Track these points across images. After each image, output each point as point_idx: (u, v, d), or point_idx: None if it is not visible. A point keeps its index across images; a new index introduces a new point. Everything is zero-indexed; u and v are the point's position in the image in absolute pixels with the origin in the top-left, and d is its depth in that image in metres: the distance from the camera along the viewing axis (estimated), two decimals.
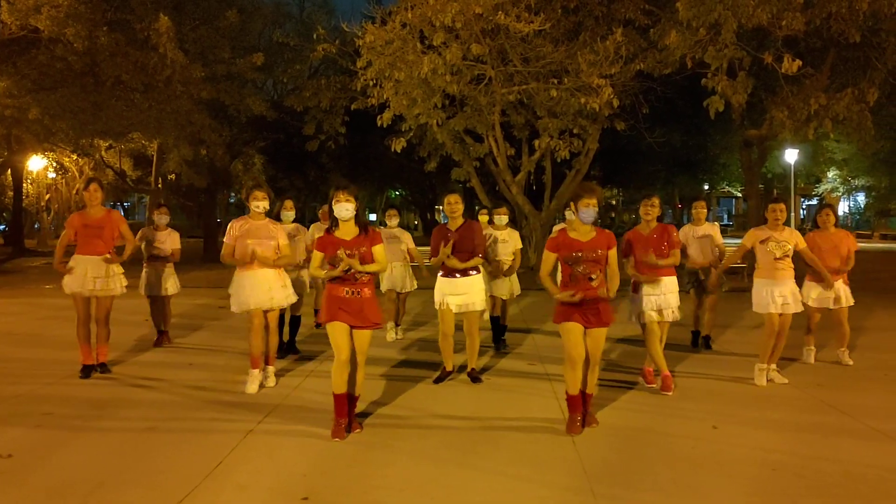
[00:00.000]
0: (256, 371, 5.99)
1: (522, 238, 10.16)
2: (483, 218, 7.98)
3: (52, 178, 36.16)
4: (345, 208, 4.77)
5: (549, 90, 13.62)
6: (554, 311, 4.97)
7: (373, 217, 45.33)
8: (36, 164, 29.81)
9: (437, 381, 6.29)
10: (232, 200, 33.47)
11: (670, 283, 5.95)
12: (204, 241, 23.64)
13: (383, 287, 8.25)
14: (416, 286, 8.57)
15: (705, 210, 7.75)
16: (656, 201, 5.96)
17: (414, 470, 4.16)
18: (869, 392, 6.02)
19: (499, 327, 7.87)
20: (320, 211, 9.27)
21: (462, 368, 6.52)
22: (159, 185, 23.57)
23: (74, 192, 34.41)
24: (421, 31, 13.06)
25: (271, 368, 6.23)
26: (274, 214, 6.95)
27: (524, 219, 17.63)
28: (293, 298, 6.35)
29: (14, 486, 3.92)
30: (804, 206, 47.60)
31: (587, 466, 4.20)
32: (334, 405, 4.79)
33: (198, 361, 7.19)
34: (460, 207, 6.18)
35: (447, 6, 12.02)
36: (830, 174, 36.92)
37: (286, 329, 7.45)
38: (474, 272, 6.21)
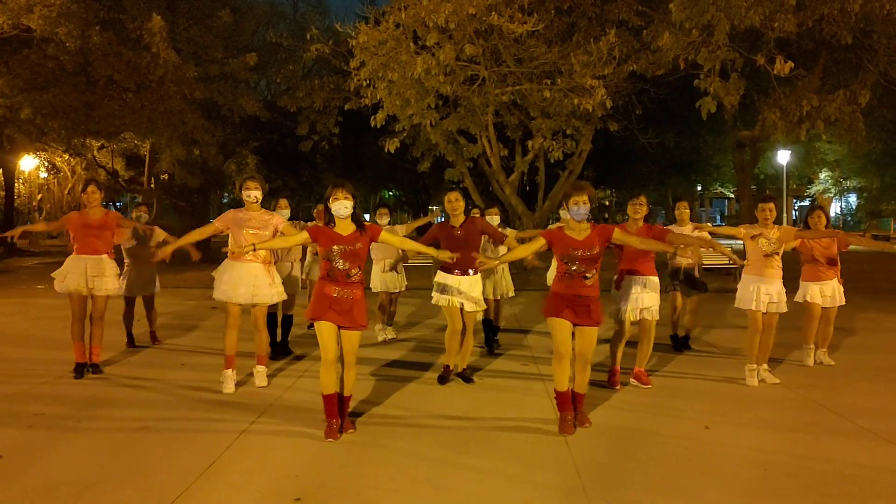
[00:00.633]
0: (230, 371, 5.96)
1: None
2: None
3: (44, 178, 35.95)
4: (343, 206, 4.77)
5: (542, 91, 13.64)
6: (544, 304, 5.01)
7: (366, 217, 45.22)
8: (28, 163, 29.64)
9: (441, 380, 6.27)
10: (225, 200, 33.32)
11: (652, 283, 6.03)
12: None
13: (375, 287, 8.23)
14: (405, 286, 8.53)
15: (688, 210, 7.78)
16: (644, 199, 6.11)
17: (408, 470, 4.16)
18: (860, 392, 6.05)
19: (491, 328, 7.87)
20: (315, 210, 9.26)
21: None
22: (152, 185, 23.45)
23: (66, 191, 34.24)
24: (414, 31, 13.08)
25: (263, 368, 6.20)
26: None
27: (517, 219, 17.65)
28: (281, 297, 6.26)
29: (5, 486, 3.90)
30: (796, 208, 47.83)
31: (580, 466, 4.22)
32: (324, 406, 4.78)
33: (190, 361, 7.17)
34: (461, 205, 6.19)
35: (440, 7, 12.04)
36: (822, 175, 37.12)
37: (279, 330, 7.43)
38: (473, 271, 6.21)
